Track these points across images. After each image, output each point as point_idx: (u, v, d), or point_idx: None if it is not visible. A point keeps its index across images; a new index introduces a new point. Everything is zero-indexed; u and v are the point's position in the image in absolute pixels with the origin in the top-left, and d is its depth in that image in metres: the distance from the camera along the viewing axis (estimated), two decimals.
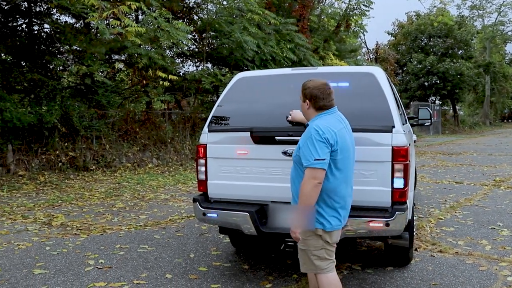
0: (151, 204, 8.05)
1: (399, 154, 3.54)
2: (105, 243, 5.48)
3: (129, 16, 12.11)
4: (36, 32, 13.14)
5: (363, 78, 3.93)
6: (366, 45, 36.51)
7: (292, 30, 16.74)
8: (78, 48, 12.44)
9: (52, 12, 13.08)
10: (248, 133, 3.88)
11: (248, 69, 16.06)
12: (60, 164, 11.27)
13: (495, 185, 9.63)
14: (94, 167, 11.88)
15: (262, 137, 3.86)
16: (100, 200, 8.44)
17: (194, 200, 4.11)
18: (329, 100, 3.01)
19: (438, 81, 34.37)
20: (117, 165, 12.49)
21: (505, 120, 59.50)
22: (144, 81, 13.17)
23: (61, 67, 13.38)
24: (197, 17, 17.03)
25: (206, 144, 4.12)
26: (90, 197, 8.70)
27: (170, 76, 12.67)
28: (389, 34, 39.68)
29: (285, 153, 3.79)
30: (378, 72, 3.95)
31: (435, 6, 40.46)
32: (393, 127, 3.59)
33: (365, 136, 3.59)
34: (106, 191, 9.26)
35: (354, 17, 20.36)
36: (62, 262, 4.78)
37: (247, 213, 3.82)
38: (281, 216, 3.84)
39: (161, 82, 12.61)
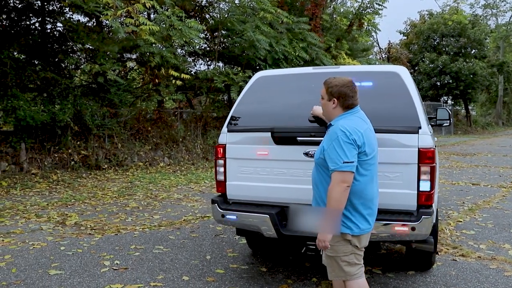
0: (165, 204, 7.99)
1: (425, 156, 3.42)
2: (120, 244, 5.43)
3: (141, 14, 12.11)
4: (49, 30, 13.18)
5: (388, 77, 3.82)
6: (378, 44, 36.25)
7: (304, 29, 16.60)
8: (90, 47, 12.44)
9: (65, 10, 13.10)
10: (269, 134, 3.79)
11: (260, 68, 15.96)
12: (72, 162, 11.28)
13: None
14: (106, 166, 11.88)
15: (283, 137, 3.77)
16: (113, 199, 8.40)
17: (213, 202, 4.02)
18: (356, 98, 2.89)
19: (450, 81, 33.99)
20: (129, 164, 12.47)
21: None
22: (157, 80, 13.12)
23: (73, 66, 13.41)
24: (209, 16, 16.96)
25: (225, 144, 4.03)
26: (103, 196, 8.67)
27: (183, 75, 12.63)
28: (401, 34, 39.37)
29: (306, 154, 3.69)
30: (403, 72, 3.83)
31: (448, 5, 40.07)
32: (420, 128, 3.47)
33: (390, 137, 3.48)
34: (119, 190, 9.23)
35: (367, 16, 20.13)
36: (77, 262, 4.73)
37: (267, 215, 3.73)
38: (302, 219, 3.71)
39: (173, 81, 12.57)
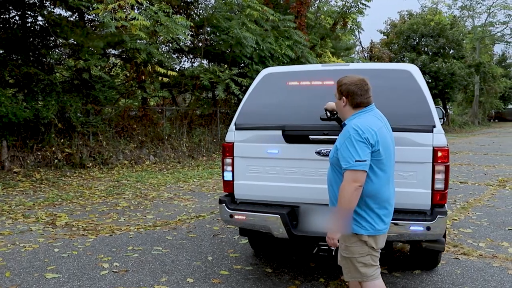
0: (156, 203, 7.81)
1: (440, 155, 3.39)
2: (116, 245, 5.26)
3: (125, 10, 11.80)
4: (29, 24, 12.74)
5: (400, 75, 3.77)
6: (361, 43, 36.56)
7: (290, 27, 16.56)
8: (74, 42, 12.08)
9: (46, 4, 12.69)
10: (280, 132, 3.70)
11: (246, 66, 15.86)
12: (56, 161, 10.95)
13: (499, 185, 9.60)
14: (90, 164, 11.58)
15: (294, 135, 3.68)
16: (102, 198, 8.18)
17: (221, 201, 3.91)
18: (366, 96, 2.81)
19: (430, 80, 34.52)
20: (114, 162, 12.20)
21: (492, 120, 60.18)
22: (143, 77, 12.86)
23: (54, 61, 13.00)
24: (194, 13, 16.73)
25: (233, 143, 3.92)
26: (91, 195, 8.43)
27: (169, 72, 12.42)
28: (381, 33, 39.81)
29: (319, 153, 3.62)
30: (414, 69, 3.80)
31: (425, 6, 40.73)
32: (434, 126, 3.44)
33: (404, 136, 3.44)
34: (107, 189, 9.00)
35: (351, 15, 20.23)
36: (74, 265, 4.55)
37: (278, 215, 3.64)
38: (314, 219, 3.67)
39: (160, 78, 12.33)
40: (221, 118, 16.94)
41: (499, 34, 47.92)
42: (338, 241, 2.77)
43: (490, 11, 44.98)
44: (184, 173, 11.64)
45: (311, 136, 3.61)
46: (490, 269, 4.45)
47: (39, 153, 10.88)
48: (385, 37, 39.45)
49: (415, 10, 45.17)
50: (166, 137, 14.21)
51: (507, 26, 46.16)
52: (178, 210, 7.20)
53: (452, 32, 35.14)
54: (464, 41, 39.05)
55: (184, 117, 15.51)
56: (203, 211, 7.12)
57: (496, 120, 61.21)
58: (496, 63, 51.82)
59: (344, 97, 2.84)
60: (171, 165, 13.10)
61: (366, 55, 31.52)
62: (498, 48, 70.48)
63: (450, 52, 36.46)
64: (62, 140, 11.39)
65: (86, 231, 5.88)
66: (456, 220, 6.49)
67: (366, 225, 2.74)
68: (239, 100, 17.64)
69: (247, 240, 5.15)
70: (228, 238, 5.56)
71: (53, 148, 11.06)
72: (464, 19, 46.15)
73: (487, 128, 44.84)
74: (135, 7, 11.38)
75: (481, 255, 4.89)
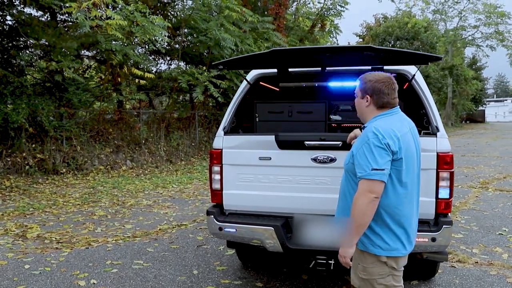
0: (134, 211, 7.44)
1: (444, 161, 3.20)
2: (93, 259, 4.89)
3: (99, 10, 11.35)
4: None
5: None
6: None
7: (269, 29, 16.38)
8: (46, 43, 11.54)
9: (16, 3, 12.11)
10: (273, 137, 3.44)
11: (225, 68, 15.55)
12: (27, 167, 10.40)
13: (482, 187, 9.59)
14: (64, 170, 11.06)
15: (289, 141, 3.43)
16: (77, 207, 7.75)
17: (209, 213, 3.62)
18: (393, 97, 2.50)
19: None
20: (89, 167, 11.70)
21: (463, 122, 61.50)
22: (119, 79, 12.40)
23: (25, 62, 12.41)
24: (171, 14, 16.34)
25: (222, 149, 3.64)
26: (65, 203, 7.99)
27: (146, 74, 12.03)
28: (357, 36, 40.15)
29: (315, 159, 3.37)
30: (415, 72, 3.60)
31: (400, 9, 41.27)
32: (438, 130, 3.24)
33: None
34: (82, 197, 8.56)
35: (330, 17, 20.19)
36: (47, 283, 4.18)
37: (272, 228, 3.38)
38: (310, 231, 3.40)
39: (136, 80, 11.91)
40: (199, 121, 16.59)
41: (470, 37, 49.01)
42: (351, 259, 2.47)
43: (462, 15, 45.92)
44: (163, 178, 11.26)
45: (306, 142, 3.36)
46: (488, 278, 4.30)
47: (8, 159, 10.32)
48: (361, 39, 39.79)
49: (390, 13, 45.79)
50: (143, 141, 13.77)
51: (477, 30, 47.30)
52: (159, 219, 6.86)
53: (427, 35, 35.71)
54: (438, 44, 39.72)
55: (161, 120, 15.09)
56: (184, 219, 6.79)
57: (468, 122, 62.58)
58: (467, 66, 53.02)
59: (368, 96, 2.50)
60: (148, 170, 12.68)
61: None
62: (469, 51, 72.08)
63: None
64: (33, 145, 10.84)
65: (60, 243, 5.48)
66: None
67: (381, 243, 2.42)
68: (218, 103, 17.37)
69: (234, 251, 4.87)
70: (213, 249, 5.26)
71: (24, 154, 10.51)
72: (437, 22, 47.01)
73: (460, 129, 45.69)
74: (109, 6, 10.99)
75: (477, 262, 4.75)
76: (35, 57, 12.35)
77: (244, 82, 3.90)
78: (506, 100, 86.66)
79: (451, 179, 3.22)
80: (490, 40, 45.24)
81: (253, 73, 3.99)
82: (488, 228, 6.16)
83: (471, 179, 10.70)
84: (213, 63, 4.01)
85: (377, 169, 2.31)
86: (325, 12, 19.57)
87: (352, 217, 2.38)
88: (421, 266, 4.08)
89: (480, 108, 65.17)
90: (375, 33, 37.51)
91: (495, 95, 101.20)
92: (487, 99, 75.10)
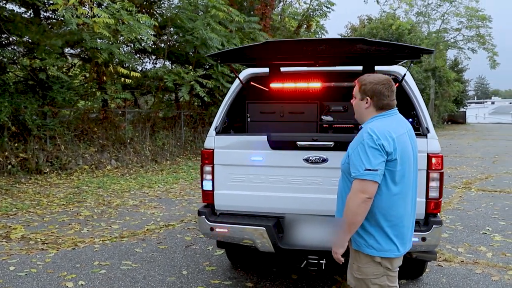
0: (121, 211, 7.37)
1: (434, 162, 3.24)
2: (80, 260, 4.83)
3: (85, 7, 11.19)
4: None
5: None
6: None
7: (255, 29, 16.39)
8: (29, 40, 11.35)
9: None
10: (265, 137, 3.44)
11: (211, 68, 15.52)
12: (9, 166, 10.21)
13: (465, 187, 9.76)
14: (48, 169, 10.89)
15: (281, 142, 3.43)
16: (61, 207, 7.63)
17: (200, 213, 3.60)
18: (392, 98, 2.52)
19: None
20: (73, 167, 11.54)
21: (445, 123, 62.46)
22: (104, 78, 12.25)
23: (7, 60, 12.17)
24: (157, 12, 16.21)
25: (213, 149, 3.63)
26: (49, 204, 7.86)
27: (132, 73, 11.91)
28: (342, 37, 40.35)
29: (307, 160, 3.39)
30: (404, 72, 3.64)
31: (384, 11, 41.71)
32: (428, 131, 3.29)
33: None
34: (66, 197, 8.44)
35: (316, 17, 20.29)
36: (34, 285, 4.11)
37: (263, 228, 3.38)
38: (301, 230, 3.42)
39: (121, 79, 11.78)
40: (185, 121, 16.50)
41: (452, 40, 49.78)
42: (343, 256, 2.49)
43: (444, 17, 46.65)
44: (148, 178, 11.17)
45: (298, 142, 3.37)
46: (474, 276, 4.38)
47: None
48: None
49: (375, 15, 46.25)
50: (128, 141, 13.64)
51: (459, 33, 48.09)
52: (146, 219, 6.80)
53: (410, 37, 36.15)
54: (421, 46, 40.24)
55: (146, 119, 14.96)
56: (172, 219, 6.75)
57: (449, 123, 63.55)
58: (449, 68, 53.86)
59: (368, 98, 2.50)
60: (134, 169, 12.56)
61: None
62: (450, 54, 73.19)
63: None
64: (16, 144, 10.64)
65: (45, 244, 5.40)
66: None
67: (374, 244, 2.43)
68: (204, 103, 17.29)
69: (223, 251, 4.86)
70: (202, 249, 5.24)
71: (6, 153, 10.30)
72: (420, 25, 47.64)
73: (442, 130, 46.35)
74: (95, 3, 10.86)
75: (463, 261, 4.83)
76: (17, 54, 12.12)
77: (236, 82, 3.90)
78: (486, 101, 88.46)
79: (441, 179, 3.27)
80: (472, 42, 46.13)
81: (245, 73, 3.98)
82: (473, 228, 6.27)
83: (454, 180, 10.87)
84: (206, 55, 3.98)
85: (370, 170, 2.32)
86: (311, 13, 19.65)
87: (344, 216, 2.40)
88: (410, 265, 4.11)
89: (461, 109, 66.17)
90: (359, 34, 37.81)
91: (475, 97, 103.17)
92: (468, 101, 76.34)
